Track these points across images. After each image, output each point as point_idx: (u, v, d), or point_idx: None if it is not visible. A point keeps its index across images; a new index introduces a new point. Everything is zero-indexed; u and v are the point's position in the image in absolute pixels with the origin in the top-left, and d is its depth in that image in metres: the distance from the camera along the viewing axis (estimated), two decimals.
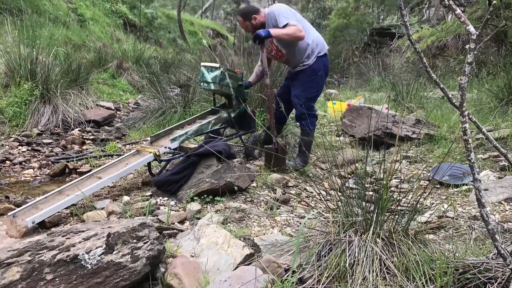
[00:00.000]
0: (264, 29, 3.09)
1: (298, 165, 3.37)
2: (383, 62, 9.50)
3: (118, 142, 4.35)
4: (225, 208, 2.47)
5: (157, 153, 2.82)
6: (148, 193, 2.75)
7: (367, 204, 1.71)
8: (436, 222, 2.14)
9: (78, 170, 3.30)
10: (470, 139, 1.28)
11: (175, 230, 2.06)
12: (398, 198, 1.80)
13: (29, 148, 3.89)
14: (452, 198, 2.67)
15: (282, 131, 4.10)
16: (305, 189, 2.98)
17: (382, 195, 1.64)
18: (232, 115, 3.53)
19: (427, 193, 1.95)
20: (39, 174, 3.31)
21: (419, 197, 1.74)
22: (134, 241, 1.52)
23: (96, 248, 1.43)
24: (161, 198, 2.66)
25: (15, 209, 2.29)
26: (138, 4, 14.20)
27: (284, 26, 3.10)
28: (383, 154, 2.57)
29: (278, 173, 3.11)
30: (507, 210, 2.32)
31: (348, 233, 1.63)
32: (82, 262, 1.39)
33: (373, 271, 1.47)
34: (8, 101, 4.41)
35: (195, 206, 2.43)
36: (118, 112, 5.87)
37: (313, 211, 1.83)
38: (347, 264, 1.50)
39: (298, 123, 3.63)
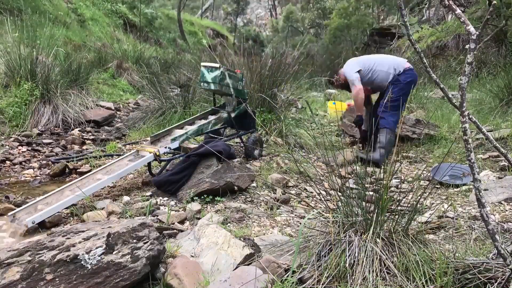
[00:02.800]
0: (358, 115, 3.93)
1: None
2: None
3: (118, 142, 4.35)
4: (225, 208, 2.47)
5: (157, 153, 2.82)
6: (148, 193, 2.75)
7: (367, 204, 1.71)
8: (436, 222, 2.14)
9: (78, 170, 3.30)
10: (470, 139, 1.28)
11: (175, 230, 2.06)
12: (398, 198, 1.80)
13: (29, 148, 3.89)
14: (452, 198, 2.67)
15: (282, 131, 4.10)
16: (305, 189, 2.98)
17: (382, 195, 1.64)
18: (232, 115, 3.53)
19: (427, 193, 1.95)
20: (39, 174, 3.31)
21: (419, 197, 1.74)
22: (134, 241, 1.52)
23: (96, 248, 1.43)
24: (161, 198, 2.66)
25: (15, 209, 2.29)
26: (138, 4, 14.20)
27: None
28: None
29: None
30: (507, 210, 2.32)
31: (348, 233, 1.63)
32: (82, 262, 1.39)
33: (373, 271, 1.47)
34: (8, 101, 4.41)
35: (195, 206, 2.43)
36: (118, 112, 5.87)
37: (313, 211, 1.83)
38: (347, 264, 1.50)
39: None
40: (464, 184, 2.87)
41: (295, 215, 2.44)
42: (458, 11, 1.33)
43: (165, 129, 3.21)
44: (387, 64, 3.88)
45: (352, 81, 3.80)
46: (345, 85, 4.01)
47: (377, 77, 3.85)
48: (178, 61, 9.02)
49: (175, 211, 2.42)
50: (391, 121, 3.68)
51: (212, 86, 3.35)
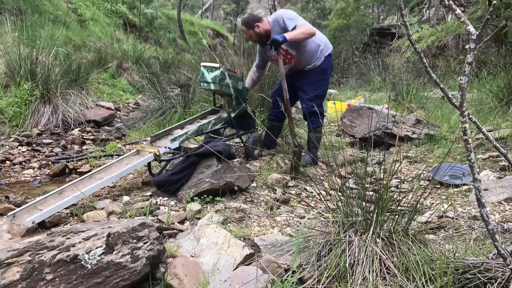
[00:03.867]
0: (280, 35, 3.15)
1: (308, 162, 3.43)
2: (383, 62, 9.51)
3: (118, 142, 4.35)
4: (225, 208, 2.47)
5: (157, 153, 2.82)
6: (148, 193, 2.75)
7: (367, 204, 1.71)
8: (436, 222, 2.14)
9: (78, 170, 3.30)
10: (470, 139, 1.28)
11: (175, 230, 2.06)
12: (398, 198, 1.80)
13: (29, 148, 3.89)
14: (452, 198, 2.67)
15: (282, 131, 4.10)
16: (305, 189, 2.98)
17: (382, 195, 1.64)
18: (232, 115, 3.53)
19: (427, 193, 1.95)
20: (39, 174, 3.31)
21: (419, 197, 1.74)
22: (134, 241, 1.52)
23: (96, 248, 1.43)
24: (161, 198, 2.66)
25: (15, 209, 2.29)
26: (138, 4, 14.19)
27: (293, 29, 3.21)
28: (383, 154, 2.57)
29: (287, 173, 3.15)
30: (507, 210, 2.32)
31: (348, 233, 1.63)
32: (82, 262, 1.38)
33: (373, 271, 1.47)
34: (8, 101, 4.41)
35: (195, 206, 2.43)
36: (118, 112, 5.87)
37: (313, 211, 1.83)
38: (347, 264, 1.50)
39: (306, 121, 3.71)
40: (464, 184, 2.87)
41: (295, 215, 2.44)
42: (458, 11, 1.33)
43: (165, 129, 3.21)
44: (319, 37, 3.42)
45: (299, 23, 3.23)
46: (263, 37, 3.32)
47: (309, 46, 3.37)
48: (178, 61, 9.03)
49: (175, 211, 2.42)
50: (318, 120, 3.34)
51: (212, 86, 3.35)
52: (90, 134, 4.68)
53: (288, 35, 3.14)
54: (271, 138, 3.77)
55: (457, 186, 2.88)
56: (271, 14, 3.70)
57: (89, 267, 1.38)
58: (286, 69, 3.53)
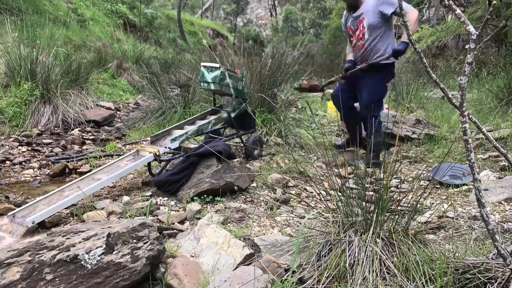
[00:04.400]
0: (402, 43, 3.15)
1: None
2: None
3: (118, 142, 4.35)
4: (225, 208, 2.47)
5: (157, 153, 2.82)
6: (148, 193, 2.75)
7: (367, 204, 1.71)
8: (436, 222, 2.14)
9: (78, 170, 3.30)
10: (470, 139, 1.28)
11: (175, 230, 2.06)
12: (398, 198, 1.80)
13: (29, 148, 3.89)
14: (452, 198, 2.67)
15: (282, 131, 4.10)
16: (305, 189, 2.98)
17: (382, 195, 1.64)
18: (232, 115, 3.53)
19: (427, 193, 1.95)
20: (39, 174, 3.31)
21: (419, 197, 1.74)
22: (134, 241, 1.52)
23: (96, 248, 1.43)
24: (161, 198, 2.66)
25: (15, 209, 2.29)
26: (138, 4, 14.20)
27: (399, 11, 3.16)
28: (383, 154, 2.57)
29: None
30: (507, 210, 2.32)
31: (348, 233, 1.63)
32: (82, 262, 1.39)
33: (373, 271, 1.47)
34: (8, 101, 4.41)
35: (195, 206, 2.43)
36: (118, 112, 5.87)
37: (313, 211, 1.83)
38: (347, 264, 1.50)
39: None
40: (464, 184, 2.87)
41: (295, 215, 2.44)
42: (458, 11, 1.33)
43: (165, 129, 3.21)
44: (394, 41, 3.34)
45: (406, 6, 3.12)
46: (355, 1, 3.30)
47: (386, 36, 3.29)
48: (178, 61, 9.02)
49: (175, 211, 2.42)
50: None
51: (212, 86, 3.35)
52: (90, 134, 4.69)
53: (407, 39, 3.05)
54: (354, 137, 3.68)
55: (457, 186, 2.88)
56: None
57: (89, 267, 1.38)
58: (356, 54, 3.47)
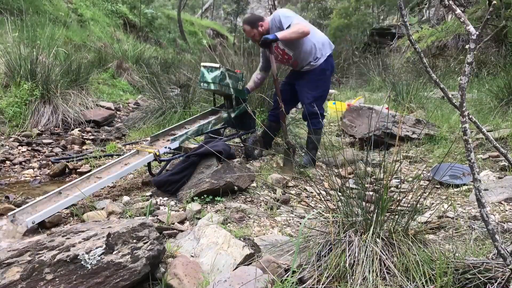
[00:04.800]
0: (271, 34, 3.14)
1: (308, 163, 3.41)
2: (383, 62, 9.51)
3: (118, 142, 4.35)
4: (225, 208, 2.47)
5: (157, 153, 2.82)
6: (148, 193, 2.75)
7: (367, 204, 1.71)
8: (436, 222, 2.14)
9: (78, 170, 3.30)
10: (470, 139, 1.28)
11: (175, 230, 2.06)
12: (398, 198, 1.80)
13: (29, 148, 3.89)
14: (452, 198, 2.67)
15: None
16: (305, 189, 2.98)
17: (382, 195, 1.64)
18: (232, 115, 3.53)
19: (427, 193, 1.95)
20: (39, 174, 3.31)
21: (419, 197, 1.74)
22: (134, 241, 1.52)
23: (96, 248, 1.43)
24: (161, 198, 2.66)
25: (15, 209, 2.29)
26: (138, 4, 14.20)
27: (288, 27, 3.18)
28: (383, 154, 2.57)
29: (283, 172, 3.13)
30: (507, 210, 2.32)
31: (348, 233, 1.63)
32: (82, 262, 1.38)
33: (373, 271, 1.47)
34: (8, 101, 4.41)
35: (195, 206, 2.43)
36: (118, 112, 5.87)
37: (313, 211, 1.83)
38: (347, 264, 1.50)
39: (305, 122, 3.67)
40: (464, 184, 2.87)
41: (295, 215, 2.44)
42: (458, 11, 1.33)
43: (165, 129, 3.21)
44: (317, 36, 3.37)
45: (294, 21, 3.18)
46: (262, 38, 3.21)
47: (305, 46, 3.31)
48: (178, 61, 9.02)
49: (175, 211, 2.42)
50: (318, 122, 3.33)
51: (212, 86, 3.35)
52: (90, 134, 4.69)
53: (279, 34, 3.11)
54: (268, 138, 3.77)
55: (457, 186, 2.88)
56: (271, 14, 3.69)
57: (89, 267, 1.38)
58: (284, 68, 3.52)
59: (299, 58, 3.40)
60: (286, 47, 3.35)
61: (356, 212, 1.71)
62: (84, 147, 4.18)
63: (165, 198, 2.66)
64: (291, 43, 3.28)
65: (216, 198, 2.55)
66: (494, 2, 1.43)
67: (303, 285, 1.49)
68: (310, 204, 2.52)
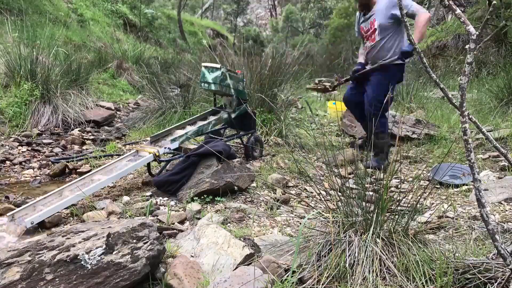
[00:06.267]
0: (409, 45, 3.12)
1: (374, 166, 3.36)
2: None
3: (118, 142, 4.35)
4: (225, 208, 2.47)
5: (157, 154, 2.82)
6: (148, 193, 2.75)
7: (367, 204, 1.71)
8: (436, 222, 2.14)
9: (78, 170, 3.30)
10: (470, 139, 1.28)
11: (175, 230, 2.06)
12: (398, 198, 1.80)
13: (29, 148, 3.89)
14: (452, 198, 2.67)
15: (282, 131, 4.10)
16: (305, 189, 2.98)
17: (382, 195, 1.64)
18: (233, 115, 3.53)
19: (427, 193, 1.95)
20: (39, 174, 3.31)
21: (419, 197, 1.74)
22: (134, 241, 1.52)
23: (96, 248, 1.43)
24: (161, 198, 2.66)
25: (15, 209, 2.29)
26: (138, 4, 14.21)
27: (411, 12, 3.11)
28: (383, 156, 2.57)
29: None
30: (507, 210, 2.32)
31: (348, 233, 1.63)
32: (82, 262, 1.39)
33: (373, 271, 1.47)
34: (8, 101, 4.41)
35: (195, 206, 2.43)
36: (118, 112, 5.87)
37: (313, 211, 1.83)
38: (347, 264, 1.50)
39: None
40: (464, 184, 2.87)
41: (295, 215, 2.44)
42: (458, 11, 1.33)
43: (165, 130, 3.21)
44: (405, 39, 3.28)
45: (416, 6, 3.13)
46: (369, 2, 3.30)
47: (392, 43, 3.26)
48: (178, 61, 9.02)
49: (175, 211, 2.42)
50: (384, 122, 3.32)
51: (213, 87, 3.35)
52: (90, 134, 4.68)
53: (416, 39, 3.02)
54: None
55: (457, 186, 2.88)
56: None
57: (89, 267, 1.38)
58: (367, 55, 3.47)
59: (380, 46, 3.34)
60: (380, 29, 3.27)
61: (356, 212, 1.71)
62: (84, 147, 4.18)
63: (165, 198, 2.66)
64: (385, 29, 3.23)
65: (216, 198, 2.55)
66: (494, 2, 1.43)
67: (303, 285, 1.49)
68: (310, 204, 2.52)
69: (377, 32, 3.33)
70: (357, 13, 3.60)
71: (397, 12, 3.16)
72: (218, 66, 3.34)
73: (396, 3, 3.14)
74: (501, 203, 2.41)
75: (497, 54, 7.49)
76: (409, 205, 1.75)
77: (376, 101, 3.31)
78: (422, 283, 1.41)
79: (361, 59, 3.66)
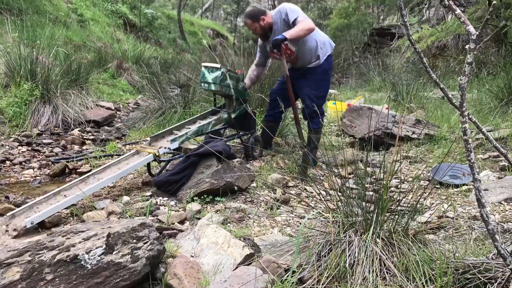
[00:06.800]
0: (280, 34, 3.17)
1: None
2: (383, 62, 9.50)
3: (118, 142, 4.35)
4: (225, 208, 2.47)
5: (157, 154, 2.82)
6: (148, 193, 2.75)
7: (367, 204, 1.71)
8: (436, 222, 2.14)
9: (78, 170, 3.30)
10: (470, 139, 1.28)
11: (175, 230, 2.06)
12: (398, 198, 1.80)
13: (29, 148, 3.89)
14: (452, 198, 2.67)
15: (282, 131, 4.10)
16: (305, 189, 2.98)
17: (382, 195, 1.64)
18: (233, 115, 3.53)
19: (427, 193, 1.95)
20: (39, 174, 3.31)
21: (419, 197, 1.74)
22: (134, 241, 1.52)
23: (96, 248, 1.43)
24: (161, 198, 2.66)
25: (15, 209, 2.29)
26: (138, 4, 14.20)
27: (294, 22, 3.23)
28: (383, 154, 2.57)
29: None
30: (507, 210, 2.32)
31: (348, 233, 1.63)
32: (82, 262, 1.39)
33: (373, 271, 1.47)
34: (8, 101, 4.41)
35: (195, 206, 2.43)
36: (118, 112, 5.87)
37: (313, 211, 1.83)
38: (347, 264, 1.50)
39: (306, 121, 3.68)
40: (464, 184, 2.87)
41: (295, 215, 2.44)
42: (458, 11, 1.33)
43: (165, 130, 3.21)
44: (319, 35, 3.43)
45: (300, 17, 3.25)
46: (267, 31, 3.35)
47: (308, 43, 3.35)
48: (178, 61, 9.02)
49: (175, 211, 2.42)
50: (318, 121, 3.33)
51: (213, 87, 3.35)
52: (90, 134, 4.68)
53: (288, 34, 3.15)
54: (267, 138, 3.77)
55: (457, 186, 2.88)
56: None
57: (89, 267, 1.38)
58: (288, 66, 3.52)
59: (301, 54, 3.41)
60: (290, 42, 3.35)
61: (356, 212, 1.71)
62: (84, 147, 4.18)
63: (165, 198, 2.66)
64: (296, 39, 3.31)
65: (216, 198, 2.55)
66: (494, 2, 1.43)
67: (303, 285, 1.49)
68: (310, 204, 2.52)
69: (289, 46, 3.40)
70: (259, 42, 3.61)
71: (290, 18, 3.27)
72: (218, 66, 3.34)
73: (284, 16, 3.28)
74: (501, 203, 2.41)
75: (497, 54, 7.49)
76: (409, 205, 1.75)
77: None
78: (422, 283, 1.41)
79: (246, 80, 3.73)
